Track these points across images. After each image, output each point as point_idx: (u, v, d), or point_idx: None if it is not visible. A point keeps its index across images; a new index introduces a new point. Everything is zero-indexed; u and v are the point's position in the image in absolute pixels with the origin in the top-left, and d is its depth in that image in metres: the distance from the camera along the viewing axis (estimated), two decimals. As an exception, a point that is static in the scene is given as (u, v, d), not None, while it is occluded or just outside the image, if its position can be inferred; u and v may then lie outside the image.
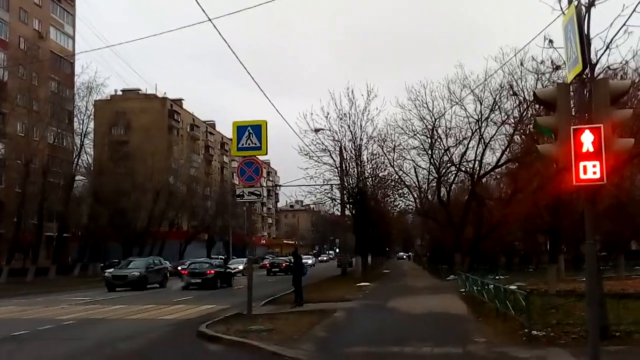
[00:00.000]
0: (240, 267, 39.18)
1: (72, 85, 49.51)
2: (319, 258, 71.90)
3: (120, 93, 71.35)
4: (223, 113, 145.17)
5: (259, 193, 13.21)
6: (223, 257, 48.66)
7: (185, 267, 29.95)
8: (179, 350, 9.60)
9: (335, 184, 33.08)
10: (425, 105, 29.95)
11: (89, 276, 43.33)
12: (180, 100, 77.79)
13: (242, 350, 9.09)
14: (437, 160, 31.70)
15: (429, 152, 31.23)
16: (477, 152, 30.02)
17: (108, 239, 49.07)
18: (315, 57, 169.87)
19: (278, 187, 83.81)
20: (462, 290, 18.84)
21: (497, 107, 27.85)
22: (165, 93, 74.20)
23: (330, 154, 31.99)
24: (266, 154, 13.26)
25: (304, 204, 74.33)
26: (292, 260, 17.69)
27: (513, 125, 26.03)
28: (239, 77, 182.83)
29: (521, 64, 22.29)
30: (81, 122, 46.60)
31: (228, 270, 30.12)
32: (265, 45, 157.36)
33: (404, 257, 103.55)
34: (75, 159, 46.74)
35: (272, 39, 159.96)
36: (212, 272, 26.53)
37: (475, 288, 16.07)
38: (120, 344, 10.01)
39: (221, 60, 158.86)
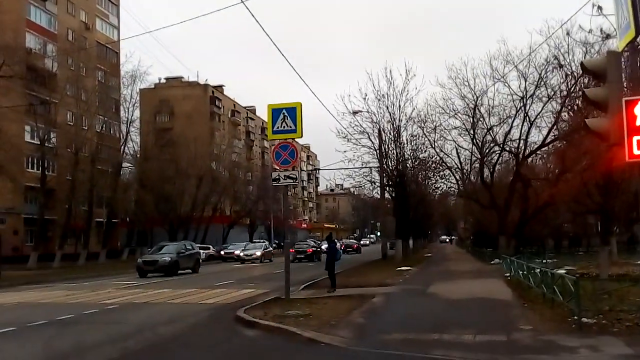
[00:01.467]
0: (258, 253, 38.25)
1: (117, 75, 50.76)
2: (361, 242, 71.73)
3: (164, 81, 72.71)
4: (263, 98, 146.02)
5: (295, 176, 13.05)
6: (264, 241, 49.42)
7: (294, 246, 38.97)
8: (216, 335, 9.59)
9: (374, 167, 32.64)
10: (467, 84, 29.13)
11: (136, 260, 44.65)
12: (221, 86, 78.64)
13: (278, 335, 8.99)
14: (479, 140, 30.86)
15: (471, 131, 30.40)
16: (522, 131, 29.11)
17: (154, 224, 50.33)
18: (353, 38, 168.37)
19: (318, 171, 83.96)
20: (507, 274, 18.24)
21: (542, 83, 26.81)
22: (206, 80, 75.21)
23: (369, 136, 31.49)
24: (301, 136, 13.07)
25: (343, 187, 74.39)
26: (327, 244, 17.42)
27: (560, 101, 24.93)
28: (278, 62, 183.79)
29: (567, 34, 21.26)
30: (127, 110, 47.81)
31: (320, 249, 38.25)
32: (302, 28, 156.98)
33: (447, 240, 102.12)
34: (122, 147, 48.10)
35: (308, 21, 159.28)
36: (311, 250, 38.21)
37: (521, 272, 15.47)
38: (159, 328, 10.12)
39: (260, 46, 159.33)
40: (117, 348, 8.34)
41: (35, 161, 41.61)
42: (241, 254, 38.98)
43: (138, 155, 49.57)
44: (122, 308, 13.37)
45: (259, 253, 38.17)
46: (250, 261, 37.06)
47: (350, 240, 67.38)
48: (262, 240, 48.99)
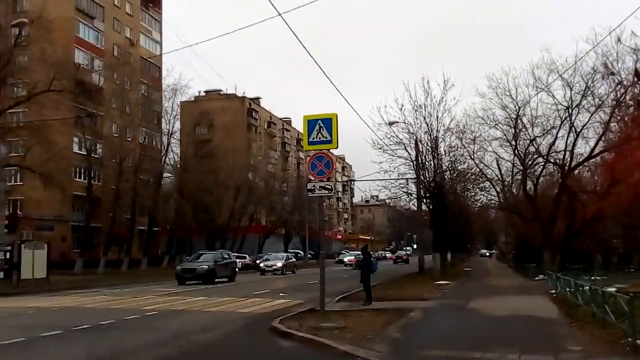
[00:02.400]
0: (279, 264, 36.64)
1: (159, 88, 52.30)
2: (396, 254, 71.67)
3: (204, 94, 74.28)
4: (299, 109, 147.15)
5: (330, 187, 12.96)
6: (299, 252, 49.40)
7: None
8: (251, 344, 9.61)
9: (411, 178, 32.13)
10: (508, 93, 28.47)
11: (175, 268, 45.46)
12: (258, 98, 79.86)
13: (313, 347, 8.90)
14: (522, 152, 30.01)
15: (513, 142, 29.63)
16: (568, 142, 28.21)
17: (193, 233, 51.33)
18: (390, 49, 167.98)
19: (353, 182, 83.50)
20: (553, 291, 17.42)
21: (589, 92, 25.88)
22: (244, 92, 76.55)
23: (405, 147, 30.79)
24: (337, 147, 12.98)
25: (379, 198, 73.96)
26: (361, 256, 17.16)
27: (609, 111, 24.06)
28: (313, 73, 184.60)
29: (618, 40, 20.50)
30: (168, 122, 49.28)
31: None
32: (338, 39, 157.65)
33: (487, 254, 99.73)
34: (163, 157, 49.36)
35: (345, 32, 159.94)
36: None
37: (567, 289, 14.75)
38: (196, 336, 10.20)
39: (296, 57, 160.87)
40: (155, 354, 8.46)
41: (82, 171, 43.39)
42: (262, 265, 37.52)
43: (178, 166, 50.73)
44: (161, 315, 13.58)
45: (279, 264, 36.67)
46: (271, 272, 35.60)
47: (402, 252, 73.25)
48: (296, 250, 49.23)
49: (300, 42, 30.60)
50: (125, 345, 9.30)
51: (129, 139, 44.05)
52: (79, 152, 42.69)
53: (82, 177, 43.21)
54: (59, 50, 34.66)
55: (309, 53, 27.43)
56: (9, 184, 37.86)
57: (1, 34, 32.58)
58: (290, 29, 14.26)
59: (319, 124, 12.63)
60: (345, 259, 54.13)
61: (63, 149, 36.47)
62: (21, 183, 40.76)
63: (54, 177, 32.79)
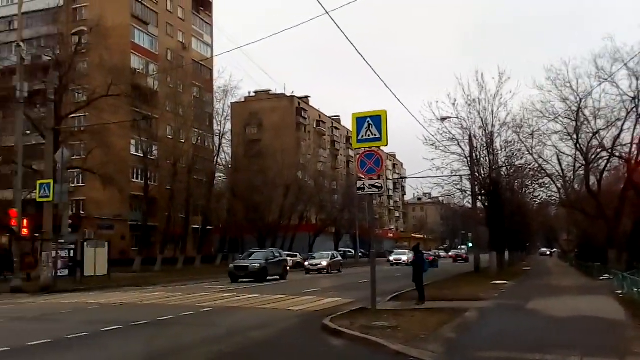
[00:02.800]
0: (324, 263, 35.62)
1: (211, 90, 53.41)
2: (449, 253, 70.51)
3: (253, 94, 75.33)
4: (348, 107, 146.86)
5: (379, 185, 12.80)
6: (349, 251, 48.71)
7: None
8: (303, 342, 9.65)
9: (465, 175, 31.32)
10: (568, 85, 27.22)
11: (228, 266, 46.36)
12: (307, 97, 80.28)
13: (364, 346, 8.82)
14: (584, 145, 28.67)
15: (574, 136, 28.34)
16: (634, 134, 26.74)
17: (244, 231, 52.09)
18: (441, 43, 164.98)
19: (404, 180, 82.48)
20: (619, 291, 16.63)
21: None
22: (293, 92, 77.16)
23: (458, 143, 29.97)
24: (386, 144, 12.79)
25: (431, 196, 72.77)
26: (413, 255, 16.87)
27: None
28: (363, 71, 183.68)
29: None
30: (219, 123, 50.08)
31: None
32: (386, 35, 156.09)
33: (547, 253, 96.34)
34: (215, 158, 50.11)
35: (393, 28, 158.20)
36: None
37: (636, 290, 14.07)
38: (250, 333, 10.37)
39: (345, 55, 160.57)
40: (211, 350, 8.62)
41: (139, 172, 45.02)
42: (306, 264, 36.84)
43: (229, 166, 51.65)
44: (216, 311, 13.86)
45: (325, 263, 35.73)
46: (316, 271, 34.86)
47: (459, 250, 71.67)
48: (347, 249, 48.76)
49: (347, 39, 30.54)
50: (182, 341, 9.56)
51: (183, 141, 45.16)
52: (135, 154, 44.39)
53: (139, 178, 44.81)
54: (116, 56, 36.06)
55: (355, 48, 27.26)
56: (72, 185, 39.74)
57: (62, 42, 34.04)
58: (338, 26, 14.18)
59: (368, 121, 12.49)
60: (391, 258, 51.82)
61: (121, 151, 38.05)
62: (83, 184, 42.62)
63: (113, 179, 34.29)
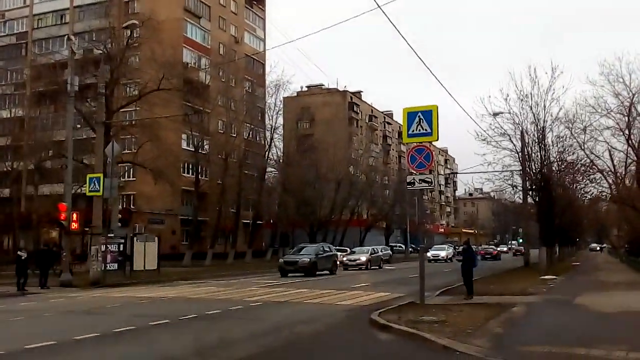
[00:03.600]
0: (363, 259, 33.75)
1: (263, 84, 53.86)
2: (499, 248, 68.17)
3: (306, 89, 75.67)
4: (401, 102, 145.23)
5: (430, 180, 12.79)
6: (400, 245, 48.10)
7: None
8: (350, 337, 9.71)
9: (516, 170, 30.89)
10: (621, 80, 26.50)
11: (278, 260, 46.85)
12: (359, 92, 79.94)
13: (411, 341, 8.84)
14: (636, 141, 27.92)
15: (626, 131, 27.59)
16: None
17: (295, 226, 52.34)
18: (495, 37, 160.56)
19: (455, 175, 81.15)
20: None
21: None
22: (345, 86, 76.98)
23: (510, 138, 29.71)
24: (437, 139, 12.78)
25: (483, 191, 71.14)
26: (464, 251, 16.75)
27: None
28: (416, 66, 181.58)
29: None
30: (271, 117, 50.17)
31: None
32: (439, 30, 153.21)
33: (598, 248, 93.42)
34: (266, 152, 50.54)
35: (446, 23, 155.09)
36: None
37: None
38: (297, 327, 10.47)
39: (398, 49, 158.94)
40: (257, 344, 8.72)
41: (190, 167, 45.32)
42: (344, 259, 34.35)
43: (281, 161, 51.92)
44: (264, 306, 13.99)
45: (363, 258, 33.88)
46: (355, 267, 32.83)
47: (490, 247, 65.78)
48: (398, 244, 48.13)
49: (398, 31, 30.40)
50: (232, 335, 9.62)
51: (234, 135, 45.56)
52: (187, 148, 44.52)
53: (190, 173, 45.09)
54: (167, 50, 36.13)
55: (407, 42, 27.12)
56: (123, 179, 40.59)
57: (114, 36, 34.53)
58: (388, 18, 14.22)
59: (419, 116, 12.48)
60: (429, 254, 45.16)
61: (172, 146, 38.38)
62: (134, 179, 43.36)
63: (164, 173, 34.43)
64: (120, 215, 25.59)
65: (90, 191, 22.39)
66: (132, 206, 45.31)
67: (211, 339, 9.27)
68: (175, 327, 10.66)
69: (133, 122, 36.48)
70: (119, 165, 34.67)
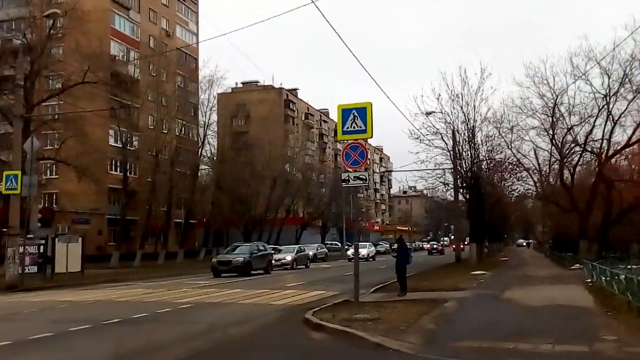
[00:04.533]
0: (288, 258, 32.83)
1: (196, 80, 52.66)
2: (431, 245, 71.50)
3: (241, 85, 74.70)
4: (337, 100, 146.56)
5: (364, 177, 12.81)
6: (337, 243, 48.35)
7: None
8: (283, 337, 9.54)
9: (448, 168, 31.96)
10: (546, 82, 28.27)
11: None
12: (295, 90, 79.87)
13: (344, 339, 8.80)
14: (559, 141, 29.86)
15: (550, 132, 29.45)
16: (605, 130, 28.10)
17: (229, 225, 51.40)
18: (426, 37, 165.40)
19: (390, 173, 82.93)
20: (589, 280, 17.30)
21: (627, 79, 25.81)
22: (281, 84, 76.69)
23: (442, 137, 30.92)
24: (371, 136, 12.78)
25: (416, 189, 73.37)
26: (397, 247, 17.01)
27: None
28: (350, 64, 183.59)
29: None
30: (204, 114, 49.25)
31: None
32: (373, 28, 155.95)
33: (524, 244, 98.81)
34: (200, 149, 49.44)
35: (379, 21, 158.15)
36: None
37: (603, 278, 14.63)
38: (229, 329, 10.19)
39: (332, 47, 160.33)
40: (186, 348, 8.39)
41: (118, 164, 43.49)
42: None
43: (215, 158, 51.04)
44: (195, 307, 13.56)
45: (289, 258, 32.97)
46: (280, 267, 31.46)
47: (436, 243, 72.91)
48: (334, 242, 48.37)
49: (333, 28, 30.43)
50: (158, 339, 9.21)
51: (165, 131, 44.19)
52: (114, 144, 42.77)
53: (118, 170, 43.34)
54: (93, 41, 34.43)
55: (341, 39, 27.19)
56: (44, 177, 38.38)
57: (35, 25, 32.18)
58: (322, 14, 14.09)
59: (354, 113, 12.45)
60: (349, 252, 42.89)
61: (98, 142, 36.76)
62: (56, 176, 41.20)
63: (89, 170, 32.74)
64: (40, 215, 24.07)
65: (6, 189, 21.08)
66: (54, 205, 42.74)
67: (136, 344, 8.84)
68: (97, 332, 10.07)
69: (56, 117, 34.63)
70: (40, 161, 32.75)
